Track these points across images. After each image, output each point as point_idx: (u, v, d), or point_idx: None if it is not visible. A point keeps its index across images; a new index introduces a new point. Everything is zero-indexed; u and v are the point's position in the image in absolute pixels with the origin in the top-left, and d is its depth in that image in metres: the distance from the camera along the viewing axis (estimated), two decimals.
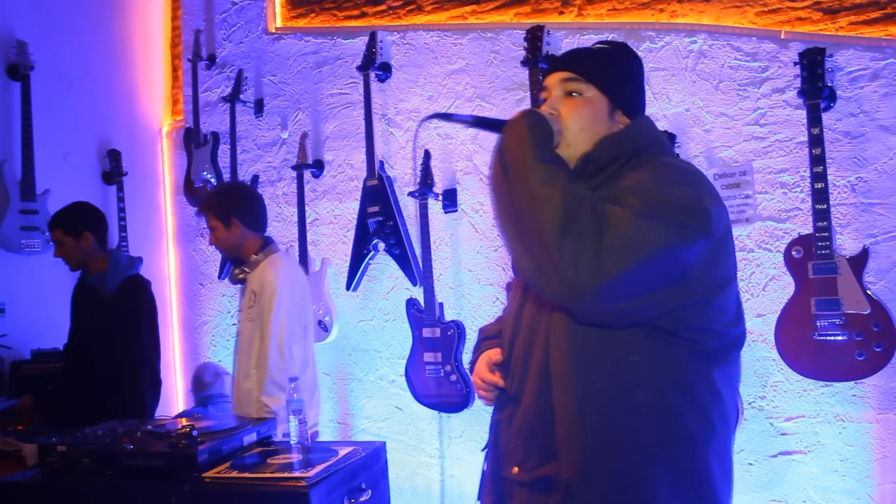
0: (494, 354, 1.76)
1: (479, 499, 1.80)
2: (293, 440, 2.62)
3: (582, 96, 1.59)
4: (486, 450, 1.79)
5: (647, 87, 3.18)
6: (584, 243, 1.29)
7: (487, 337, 1.90)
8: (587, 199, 1.35)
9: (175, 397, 4.57)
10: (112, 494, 2.37)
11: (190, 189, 4.68)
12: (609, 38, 3.31)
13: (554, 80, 1.63)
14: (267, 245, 3.16)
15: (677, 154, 1.60)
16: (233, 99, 4.48)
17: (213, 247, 3.30)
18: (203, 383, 4.12)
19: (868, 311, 2.62)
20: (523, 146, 1.43)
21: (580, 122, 1.58)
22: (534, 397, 1.58)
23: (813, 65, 2.74)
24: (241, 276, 3.15)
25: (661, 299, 1.39)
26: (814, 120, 2.71)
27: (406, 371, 3.69)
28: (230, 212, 3.09)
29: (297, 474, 2.30)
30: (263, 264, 3.09)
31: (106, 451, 2.45)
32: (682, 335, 1.45)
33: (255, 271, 3.09)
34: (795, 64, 2.80)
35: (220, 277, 4.65)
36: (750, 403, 2.97)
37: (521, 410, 1.61)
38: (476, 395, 1.82)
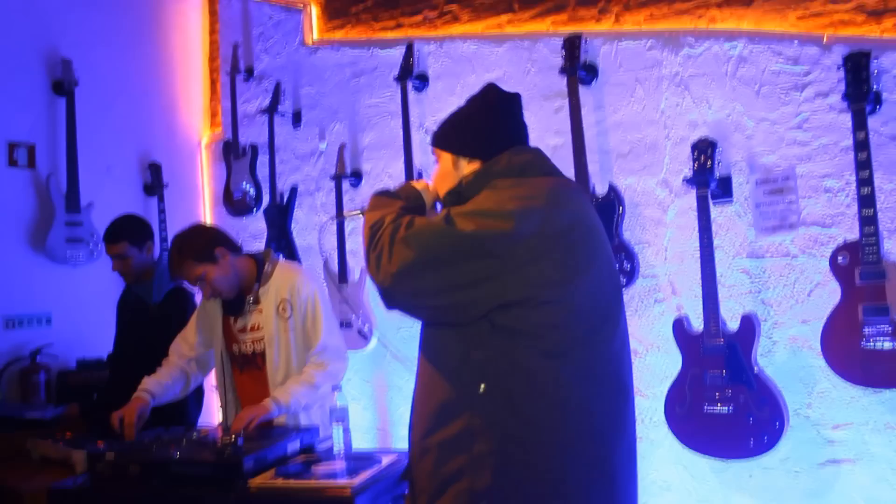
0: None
1: None
2: (336, 448, 2.63)
3: (438, 161, 1.94)
4: None
5: (687, 93, 3.18)
6: (382, 251, 1.67)
7: None
8: (400, 215, 1.74)
9: (215, 406, 4.58)
10: (159, 502, 2.40)
11: (229, 200, 4.74)
12: (648, 44, 3.31)
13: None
14: (261, 256, 3.01)
15: (524, 175, 1.83)
16: (271, 111, 4.53)
17: (217, 298, 2.98)
18: None
19: None
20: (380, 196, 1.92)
21: (435, 181, 1.94)
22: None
23: (857, 68, 2.70)
24: (255, 304, 2.95)
25: (474, 294, 1.64)
26: (859, 124, 2.68)
27: None
28: (209, 247, 2.85)
29: (341, 482, 2.31)
30: (280, 271, 2.97)
31: (153, 460, 2.49)
32: (523, 331, 1.65)
33: (272, 281, 2.94)
34: (839, 68, 2.77)
35: None
36: (796, 411, 2.93)
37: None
38: None
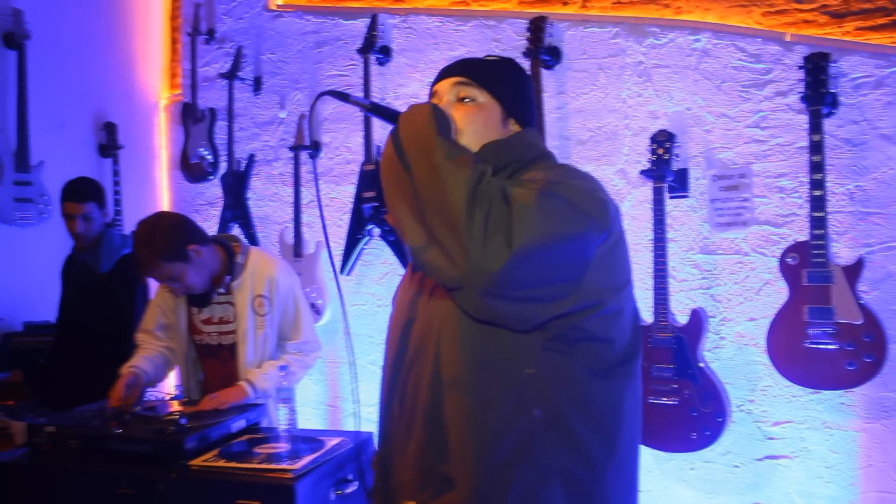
0: None
1: None
2: (281, 428, 2.62)
3: (475, 101, 1.55)
4: (372, 493, 1.70)
5: (649, 84, 3.17)
6: (493, 219, 1.25)
7: None
8: (493, 178, 1.32)
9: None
10: (98, 478, 2.36)
11: (186, 165, 4.64)
12: (613, 31, 3.28)
13: (445, 86, 1.58)
14: (232, 244, 2.83)
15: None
16: (231, 76, 4.43)
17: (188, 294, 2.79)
18: None
19: (860, 322, 2.62)
20: (427, 126, 1.37)
21: (473, 125, 1.53)
22: (425, 418, 1.47)
23: (817, 70, 2.71)
24: (225, 294, 2.81)
25: (560, 292, 1.33)
26: (815, 126, 2.69)
27: None
28: (183, 245, 2.62)
29: (283, 466, 2.30)
30: (254, 262, 2.82)
31: (93, 435, 2.45)
32: (578, 344, 1.40)
33: (245, 274, 2.80)
34: (800, 68, 2.77)
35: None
36: (738, 406, 2.98)
37: (415, 436, 1.49)
38: None
